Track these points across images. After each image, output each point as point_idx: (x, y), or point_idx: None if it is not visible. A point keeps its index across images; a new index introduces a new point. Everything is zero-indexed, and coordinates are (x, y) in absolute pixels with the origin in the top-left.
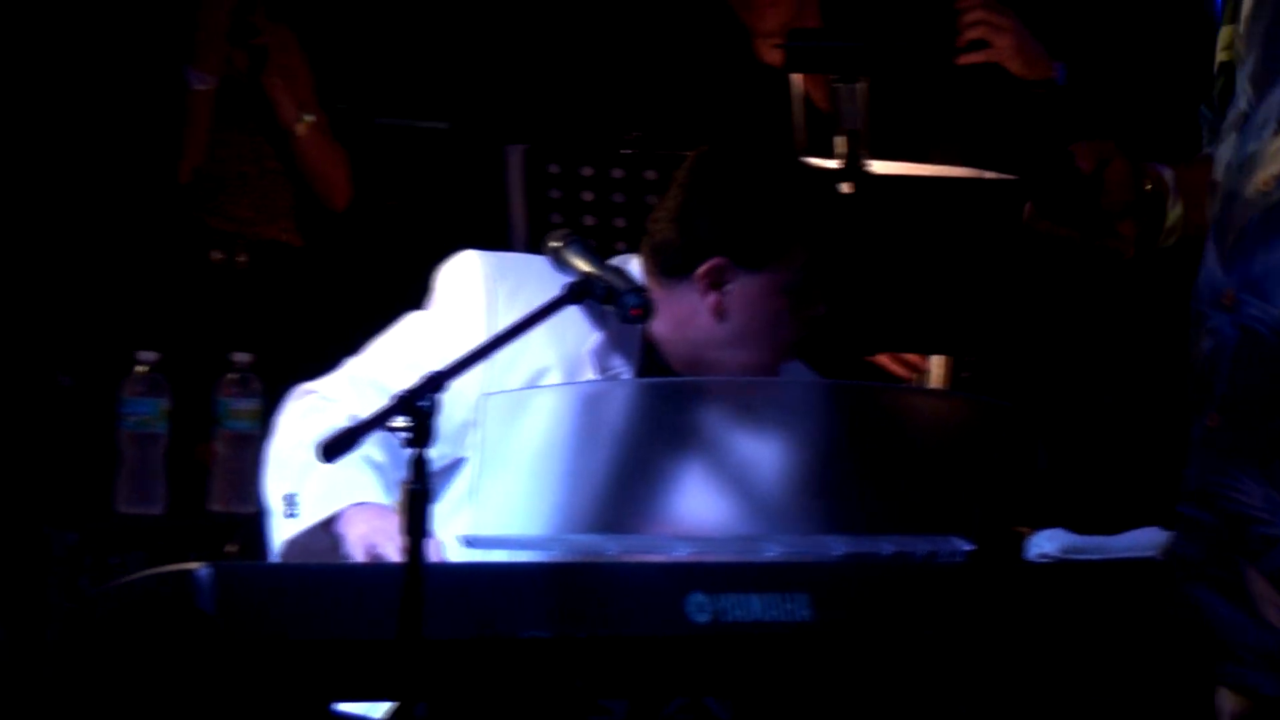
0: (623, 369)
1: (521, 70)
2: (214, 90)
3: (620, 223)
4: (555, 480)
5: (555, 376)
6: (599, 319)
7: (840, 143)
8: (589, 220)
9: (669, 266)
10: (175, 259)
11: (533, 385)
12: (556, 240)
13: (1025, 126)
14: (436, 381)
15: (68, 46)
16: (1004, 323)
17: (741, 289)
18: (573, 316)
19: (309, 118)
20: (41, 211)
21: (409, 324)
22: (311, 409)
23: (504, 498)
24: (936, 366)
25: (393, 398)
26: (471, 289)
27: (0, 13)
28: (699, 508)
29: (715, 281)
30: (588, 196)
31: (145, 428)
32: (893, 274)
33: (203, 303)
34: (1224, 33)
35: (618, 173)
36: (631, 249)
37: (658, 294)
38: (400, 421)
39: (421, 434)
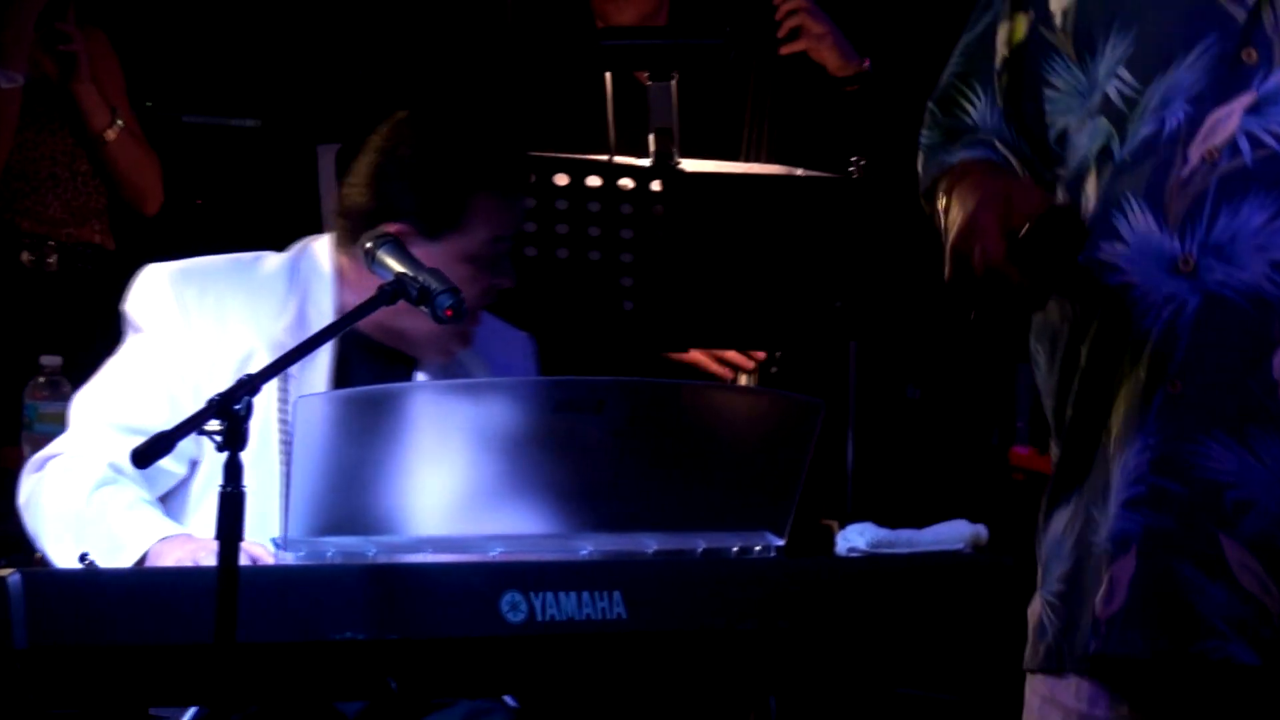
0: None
1: (334, 66)
2: (20, 90)
3: None
4: (366, 482)
5: (262, 358)
6: (293, 293)
7: (652, 140)
8: None
9: (357, 232)
10: None
11: (243, 371)
12: (369, 240)
13: (840, 121)
14: (250, 384)
15: None
16: (813, 318)
17: (423, 256)
18: (267, 295)
19: (120, 123)
20: None
21: (123, 356)
22: (67, 470)
23: (316, 500)
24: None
25: (207, 401)
26: (161, 303)
27: None
28: (512, 507)
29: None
30: None
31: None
32: (702, 271)
33: (12, 305)
34: (1009, 28)
35: None
36: None
37: (345, 261)
38: (214, 425)
39: (235, 437)
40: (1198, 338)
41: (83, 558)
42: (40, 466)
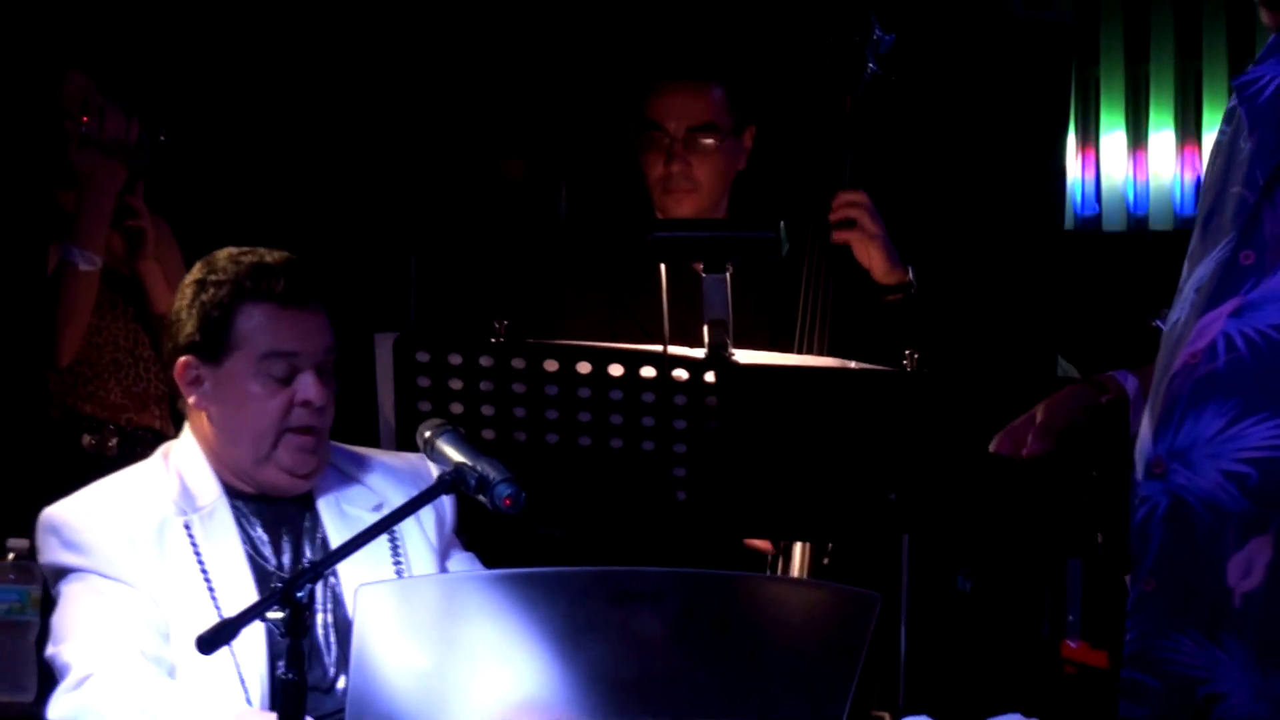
0: (214, 507)
1: (383, 255)
2: (98, 273)
3: (488, 410)
4: (424, 672)
5: (175, 525)
6: (170, 467)
7: (706, 331)
8: (456, 408)
9: (174, 372)
10: (46, 445)
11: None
12: (428, 429)
13: (883, 327)
14: (312, 571)
15: None
16: (867, 510)
17: (213, 384)
18: (149, 478)
19: None
20: None
21: (66, 607)
22: (112, 683)
23: (376, 691)
24: (799, 553)
25: (271, 589)
26: (65, 542)
27: None
28: (569, 696)
29: (189, 385)
30: (456, 384)
31: (15, 615)
32: (755, 462)
33: (72, 488)
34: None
35: (486, 360)
36: (499, 436)
37: (189, 412)
38: (276, 614)
39: (297, 624)
40: (1166, 539)
41: None
42: (78, 685)
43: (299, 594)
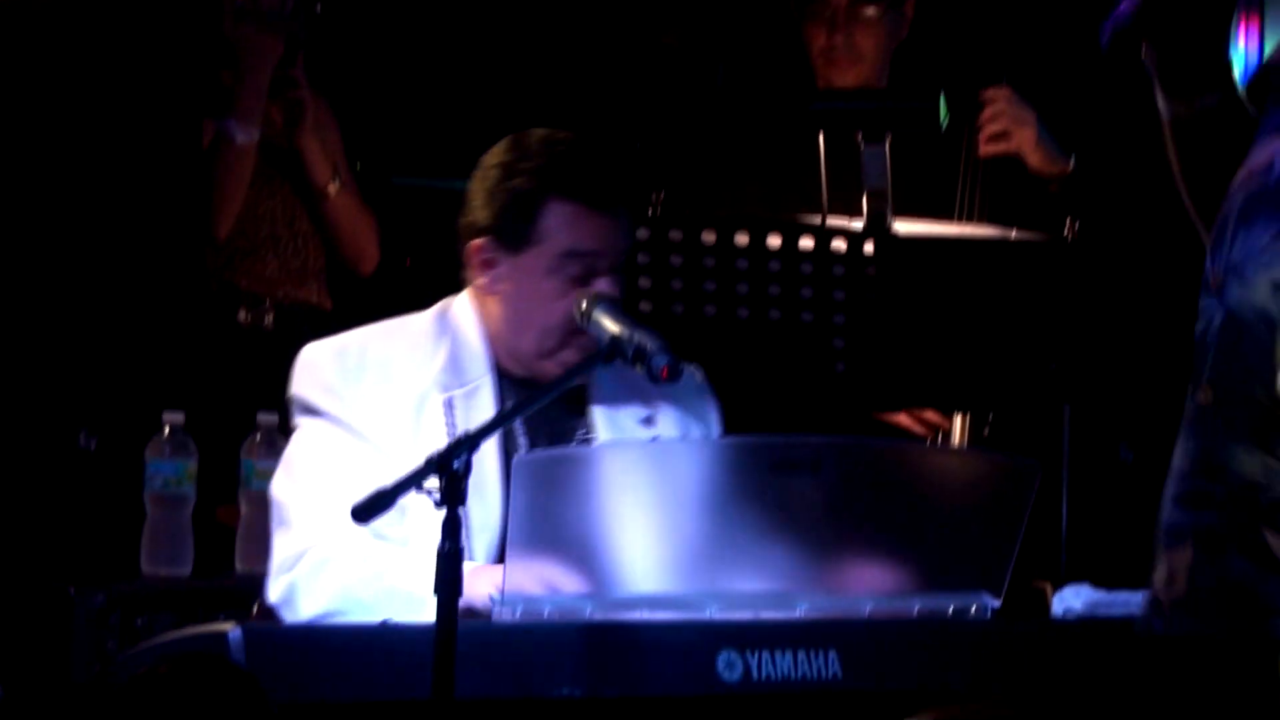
0: (479, 385)
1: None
2: (255, 145)
3: (645, 283)
4: (583, 540)
5: (434, 400)
6: (443, 336)
7: (865, 202)
8: None
9: (464, 253)
10: (203, 319)
11: (420, 419)
12: (584, 299)
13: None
14: (470, 441)
15: (100, 99)
16: (1027, 381)
17: (508, 271)
18: (421, 344)
19: (341, 180)
20: (68, 267)
21: (311, 447)
22: (325, 557)
23: (536, 557)
24: (958, 425)
25: (425, 459)
26: (331, 382)
27: (35, 60)
28: (727, 565)
29: (482, 265)
30: None
31: (172, 489)
32: (915, 333)
33: (229, 363)
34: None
35: (642, 233)
36: (656, 309)
37: (473, 292)
38: (432, 482)
39: (454, 494)
40: (1220, 352)
41: (385, 624)
42: (291, 566)
43: (455, 464)
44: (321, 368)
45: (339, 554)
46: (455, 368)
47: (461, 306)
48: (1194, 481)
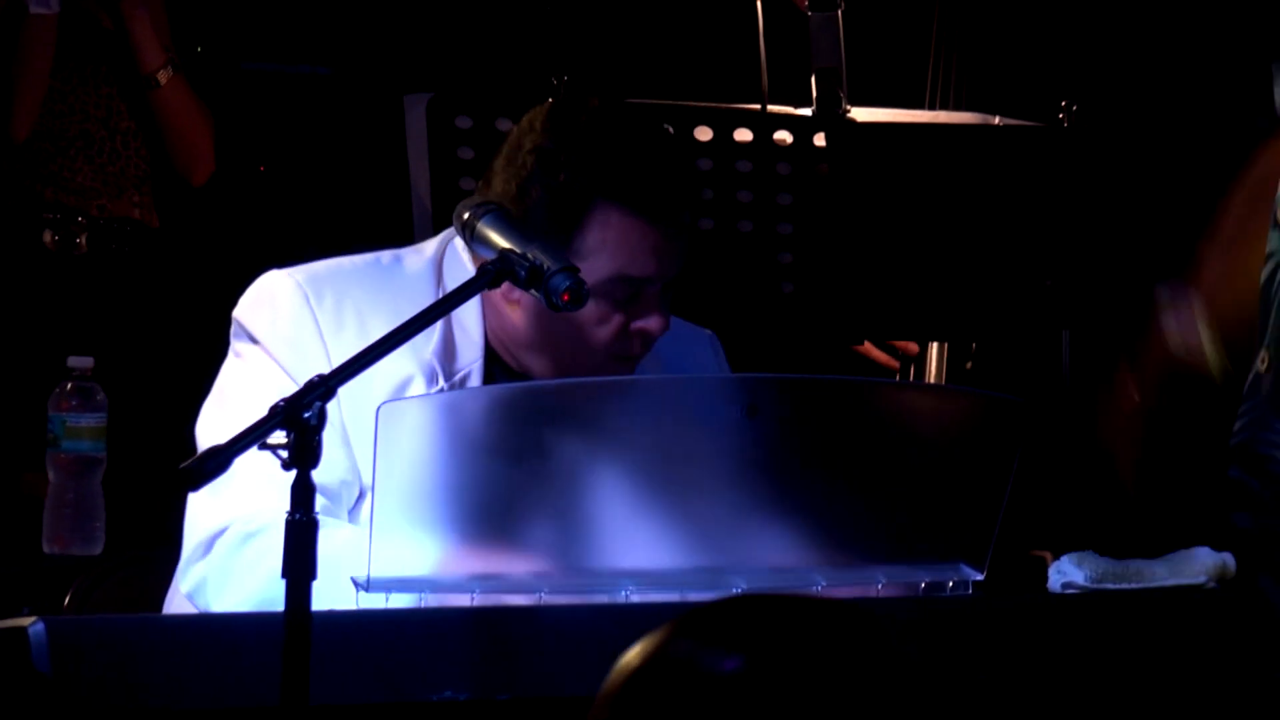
0: (469, 372)
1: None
2: (54, 20)
3: None
4: (468, 507)
5: (419, 386)
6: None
7: (814, 83)
8: None
9: None
10: None
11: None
12: (467, 210)
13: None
14: (321, 387)
15: None
16: (1017, 301)
17: None
18: (414, 308)
19: (174, 66)
20: None
21: (247, 384)
22: (247, 540)
23: (406, 529)
24: (934, 356)
25: (271, 408)
26: (292, 318)
27: None
28: (645, 535)
29: None
30: None
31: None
32: (878, 244)
33: (32, 296)
34: None
35: None
36: None
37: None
38: (279, 437)
39: (304, 452)
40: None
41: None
42: (209, 545)
43: (306, 414)
44: (284, 300)
45: (271, 529)
46: (448, 349)
47: (463, 265)
48: (1236, 468)
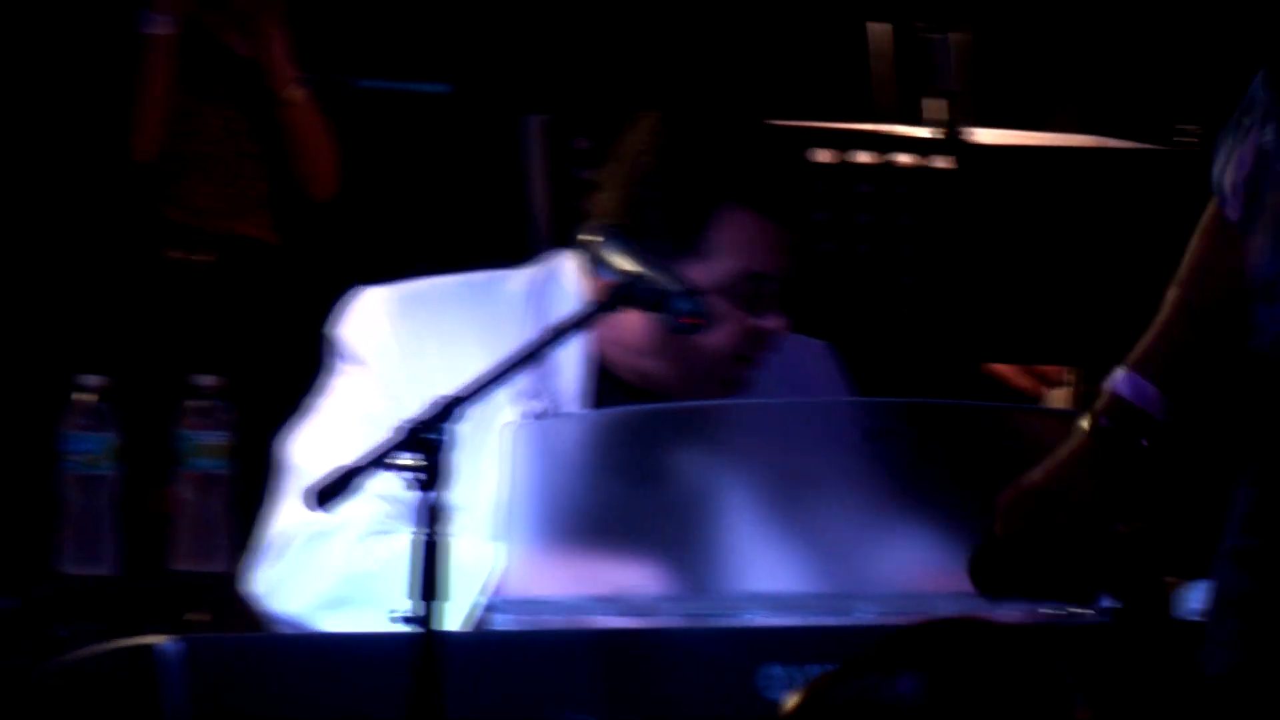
0: (567, 391)
1: (541, 19)
2: (174, 40)
3: None
4: (596, 528)
5: (507, 406)
6: (534, 325)
7: (933, 107)
8: None
9: None
10: (124, 259)
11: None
12: (589, 233)
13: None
14: (449, 409)
15: None
16: (1142, 324)
17: None
18: (504, 327)
19: (304, 86)
20: None
21: (341, 401)
22: (316, 540)
23: (536, 550)
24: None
25: (397, 430)
26: (380, 335)
27: None
28: (770, 560)
29: None
30: None
31: (91, 469)
32: (1002, 268)
33: (158, 313)
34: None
35: None
36: None
37: (591, 284)
38: (407, 459)
39: (433, 474)
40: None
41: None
42: (285, 546)
43: (434, 436)
44: (376, 318)
45: (339, 530)
46: (544, 370)
47: (563, 284)
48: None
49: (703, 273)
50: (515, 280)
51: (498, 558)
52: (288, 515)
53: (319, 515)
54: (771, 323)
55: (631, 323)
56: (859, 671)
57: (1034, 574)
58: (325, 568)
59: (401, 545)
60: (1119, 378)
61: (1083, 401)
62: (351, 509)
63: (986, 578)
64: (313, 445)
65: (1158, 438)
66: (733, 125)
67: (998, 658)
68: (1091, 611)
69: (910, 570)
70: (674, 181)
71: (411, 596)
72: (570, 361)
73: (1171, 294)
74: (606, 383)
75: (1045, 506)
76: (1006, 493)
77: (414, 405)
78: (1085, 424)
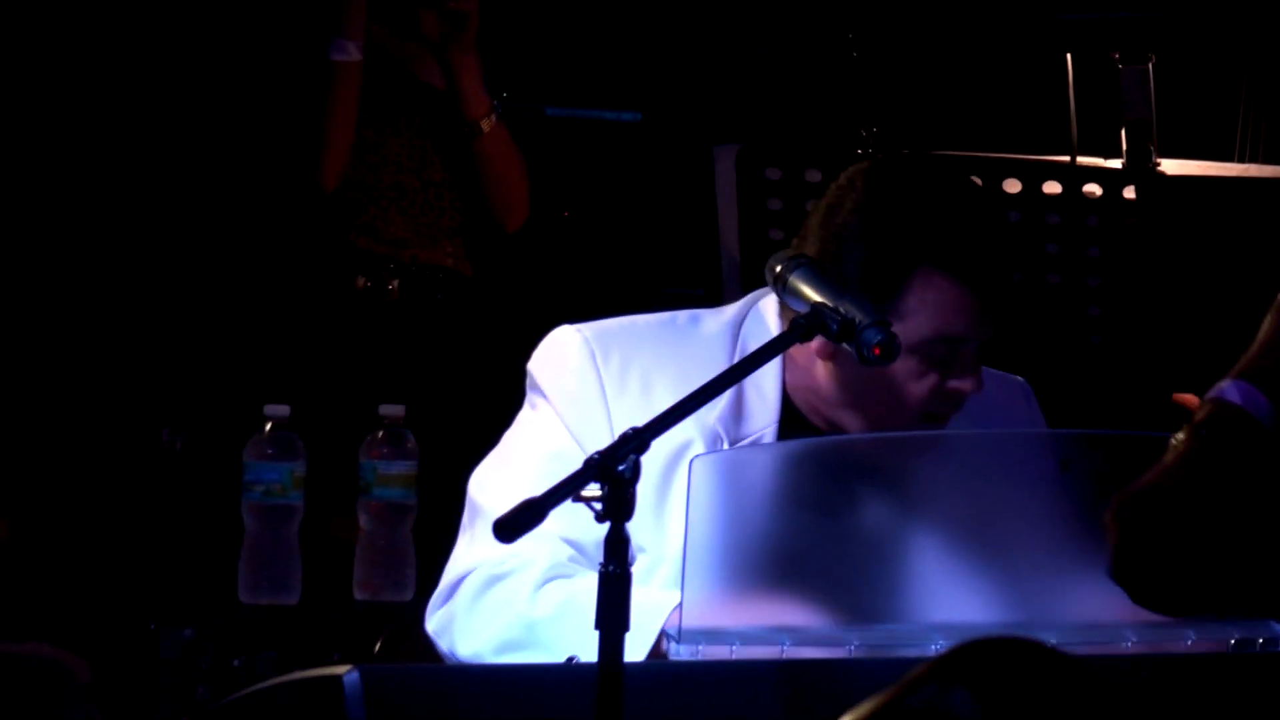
0: (762, 435)
1: (731, 48)
2: (359, 67)
3: None
4: (779, 559)
5: (697, 451)
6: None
7: (1124, 136)
8: None
9: None
10: (312, 288)
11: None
12: (779, 263)
13: None
14: (636, 441)
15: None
16: None
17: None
18: (702, 371)
19: (498, 113)
20: (145, 224)
21: (529, 437)
22: (492, 583)
23: (717, 581)
24: None
25: (585, 461)
26: (575, 373)
27: None
28: (955, 590)
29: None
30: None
31: (274, 498)
32: (1190, 297)
33: (345, 343)
34: None
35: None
36: None
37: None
38: (593, 490)
39: (619, 505)
40: None
41: (570, 661)
42: (454, 587)
43: (620, 467)
44: (570, 355)
45: (517, 573)
46: (738, 413)
47: (766, 327)
48: None
49: (899, 331)
50: (713, 321)
51: (675, 600)
52: (466, 553)
53: (497, 554)
54: (965, 384)
55: (824, 371)
56: (915, 688)
57: (1198, 584)
58: (500, 612)
59: (579, 591)
60: (1226, 386)
61: None
62: (532, 550)
63: (1139, 587)
64: (495, 481)
65: (1265, 447)
66: (938, 187)
67: (1048, 680)
68: (1266, 643)
69: (1099, 602)
70: (875, 240)
71: (597, 628)
72: (763, 405)
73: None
74: (799, 429)
75: (1152, 505)
76: (1114, 498)
77: (605, 445)
78: (1181, 435)
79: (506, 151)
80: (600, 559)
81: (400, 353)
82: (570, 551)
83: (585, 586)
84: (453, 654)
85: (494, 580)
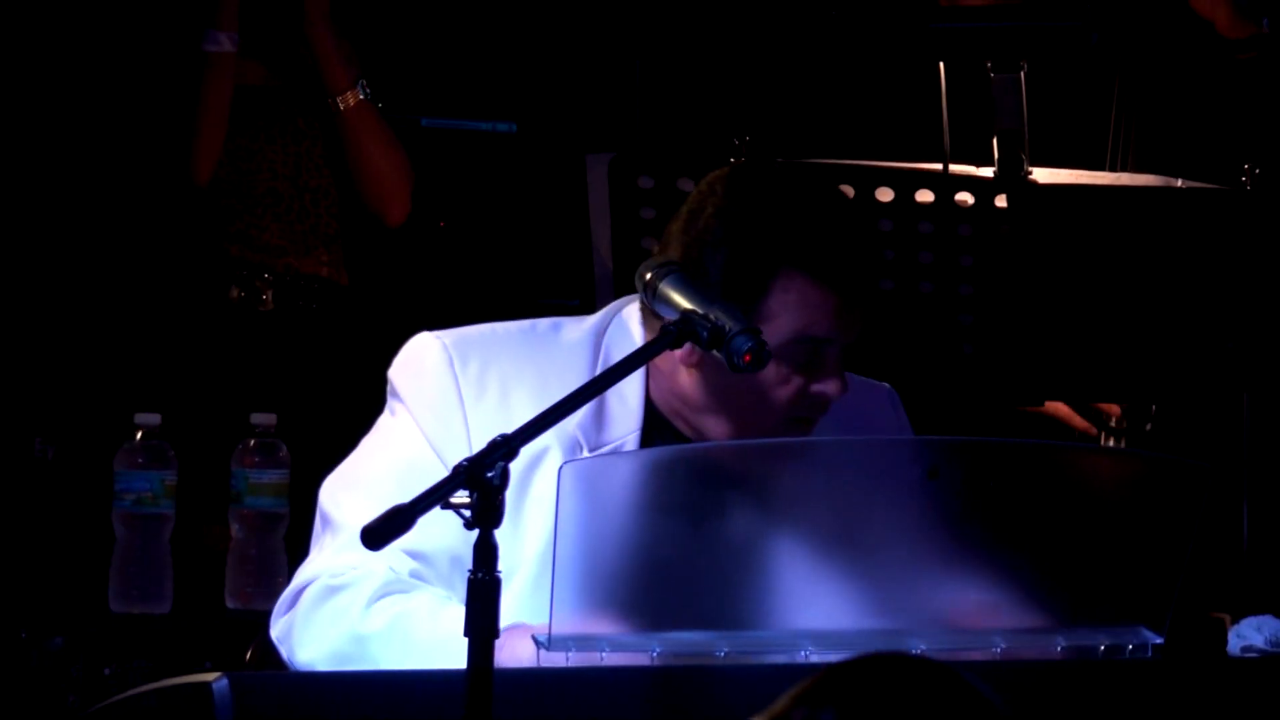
0: (623, 443)
1: (604, 59)
2: (233, 58)
3: None
4: (648, 565)
5: (555, 458)
6: (594, 370)
7: (996, 145)
8: None
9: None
10: (183, 297)
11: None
12: (649, 270)
13: (1232, 102)
14: (505, 448)
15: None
16: (1198, 363)
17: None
18: (564, 378)
19: (364, 91)
20: (11, 226)
21: (384, 446)
22: (333, 590)
23: (585, 588)
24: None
25: (454, 468)
26: (435, 379)
27: None
28: (823, 596)
29: None
30: None
31: (145, 507)
32: (1058, 305)
33: (217, 351)
34: None
35: None
36: None
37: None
38: (462, 497)
39: (488, 512)
40: None
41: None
42: (297, 595)
43: (489, 474)
44: (428, 363)
45: (354, 585)
46: (599, 420)
47: (629, 334)
48: None
49: (764, 334)
50: (575, 329)
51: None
52: (312, 562)
53: (338, 565)
54: (830, 387)
55: (688, 378)
56: (786, 711)
57: None
58: (334, 623)
59: (411, 610)
60: None
61: (1136, 440)
62: (371, 563)
63: None
64: (346, 491)
65: None
66: (799, 190)
67: (923, 695)
68: (1136, 649)
69: (965, 607)
70: (736, 243)
71: (466, 634)
72: (625, 412)
73: None
74: (663, 436)
75: None
76: None
77: (462, 453)
78: None
79: (373, 131)
80: (444, 570)
81: (272, 361)
82: (414, 565)
83: (417, 604)
84: (292, 662)
85: (331, 591)
